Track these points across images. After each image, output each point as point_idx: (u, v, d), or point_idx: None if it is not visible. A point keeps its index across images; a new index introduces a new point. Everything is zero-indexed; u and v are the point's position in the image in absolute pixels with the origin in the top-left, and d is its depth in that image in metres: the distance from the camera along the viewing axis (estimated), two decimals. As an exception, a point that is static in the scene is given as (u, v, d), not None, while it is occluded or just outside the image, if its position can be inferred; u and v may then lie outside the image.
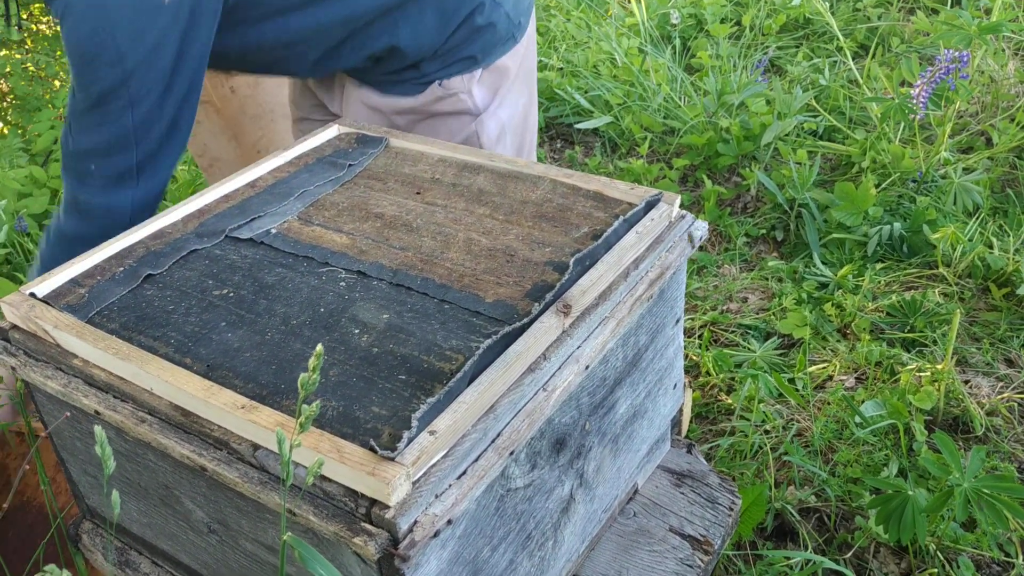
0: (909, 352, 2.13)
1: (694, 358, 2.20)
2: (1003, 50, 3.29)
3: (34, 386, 1.14)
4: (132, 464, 1.10)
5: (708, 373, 2.13)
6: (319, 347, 0.65)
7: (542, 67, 3.61)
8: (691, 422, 2.03)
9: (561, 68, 3.55)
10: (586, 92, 3.36)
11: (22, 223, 2.90)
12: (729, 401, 2.04)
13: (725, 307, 2.40)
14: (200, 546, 1.12)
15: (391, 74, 1.55)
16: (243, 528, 1.02)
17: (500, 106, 1.63)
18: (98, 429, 0.68)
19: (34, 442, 1.49)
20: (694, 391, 2.10)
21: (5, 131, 3.93)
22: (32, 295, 1.12)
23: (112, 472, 1.05)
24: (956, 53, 2.53)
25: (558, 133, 3.36)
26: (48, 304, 1.10)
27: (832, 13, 3.68)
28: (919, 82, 2.56)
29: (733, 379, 2.10)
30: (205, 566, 1.15)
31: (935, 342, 2.14)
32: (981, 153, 2.80)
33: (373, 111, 1.61)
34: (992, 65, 3.16)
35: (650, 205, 1.21)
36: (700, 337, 2.28)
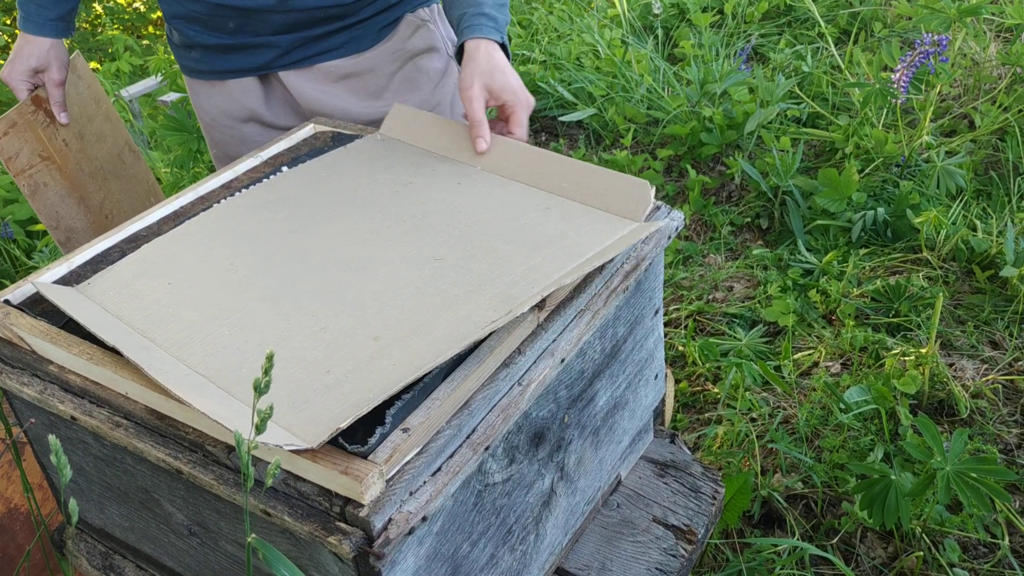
0: (894, 337, 2.13)
1: (680, 348, 2.20)
2: (984, 32, 3.29)
3: (11, 393, 1.14)
4: (111, 468, 1.10)
5: (694, 363, 2.13)
6: (270, 350, 0.65)
7: (525, 60, 3.61)
8: (677, 412, 2.03)
9: (544, 61, 3.55)
10: (569, 85, 3.36)
11: (7, 229, 2.90)
12: (715, 390, 2.05)
13: (710, 296, 2.40)
14: (182, 548, 1.12)
15: (362, 22, 1.55)
16: (222, 530, 1.02)
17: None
18: (52, 438, 0.68)
19: (16, 451, 1.49)
20: (680, 381, 2.10)
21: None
22: (7, 302, 1.12)
23: (88, 471, 1.05)
24: (936, 36, 2.53)
25: (542, 126, 3.36)
26: (23, 311, 1.10)
27: (813, 0, 3.68)
28: (899, 66, 2.56)
29: (719, 368, 2.10)
30: (188, 568, 1.15)
31: (919, 326, 2.14)
32: (964, 136, 2.81)
33: (346, 79, 1.60)
34: (974, 47, 3.17)
35: (624, 197, 1.21)
36: (686, 327, 2.28)
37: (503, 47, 1.38)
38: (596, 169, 1.24)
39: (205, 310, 1.08)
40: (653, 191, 1.25)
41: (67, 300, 1.08)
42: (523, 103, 1.34)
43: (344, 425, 0.84)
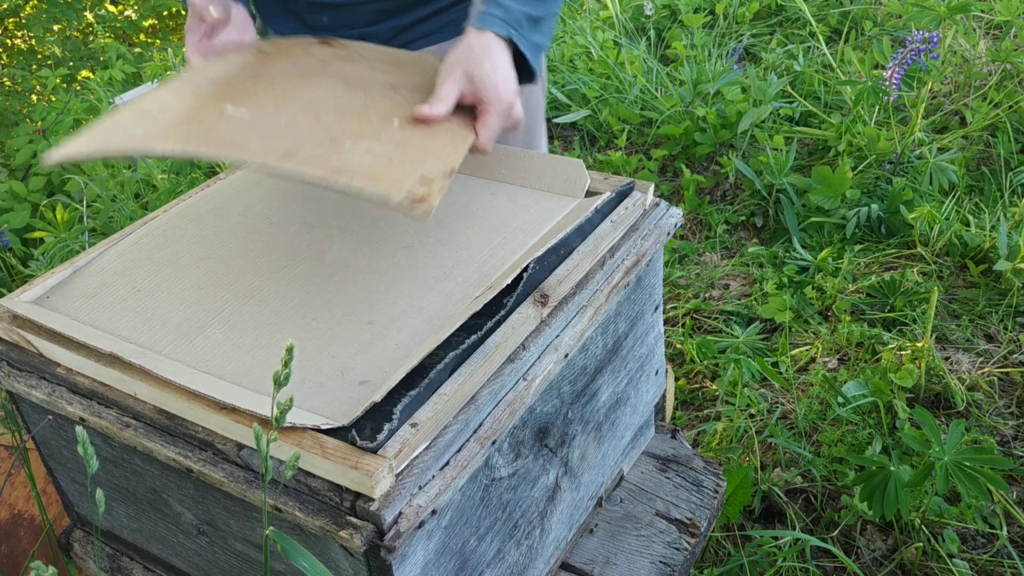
0: (890, 331, 2.15)
1: (678, 346, 2.21)
2: (974, 29, 3.32)
3: (19, 396, 1.15)
4: (119, 470, 1.11)
5: (692, 360, 2.14)
6: (290, 342, 0.66)
7: (518, 63, 3.61)
8: (677, 409, 2.04)
9: (537, 63, 3.55)
10: (563, 86, 3.37)
11: (3, 238, 2.90)
12: (714, 387, 2.06)
13: (707, 294, 2.42)
14: (190, 548, 1.13)
15: (452, 7, 1.48)
16: (232, 528, 1.03)
17: None
18: (79, 430, 0.69)
19: (23, 455, 1.49)
20: (678, 378, 2.11)
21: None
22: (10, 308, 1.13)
23: (95, 472, 1.06)
24: (926, 34, 2.55)
25: (537, 128, 3.37)
26: (28, 316, 1.11)
27: (804, -1, 3.70)
28: (891, 64, 2.58)
29: (717, 365, 2.12)
30: (196, 568, 1.16)
31: (915, 321, 2.16)
32: (955, 132, 2.83)
33: None
34: (963, 44, 3.19)
35: (622, 195, 1.23)
36: (683, 325, 2.30)
37: (522, 56, 1.19)
38: (531, 153, 1.29)
39: (187, 312, 1.09)
40: (652, 189, 1.26)
41: (43, 316, 1.09)
42: (500, 107, 1.14)
43: (377, 398, 0.88)
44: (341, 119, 1.07)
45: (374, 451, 0.86)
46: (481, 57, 1.14)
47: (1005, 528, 1.66)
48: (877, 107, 2.86)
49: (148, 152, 1.01)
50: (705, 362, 2.12)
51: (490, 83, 1.13)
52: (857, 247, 2.45)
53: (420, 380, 0.93)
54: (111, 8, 6.30)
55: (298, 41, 1.37)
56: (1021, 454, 1.82)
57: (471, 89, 1.14)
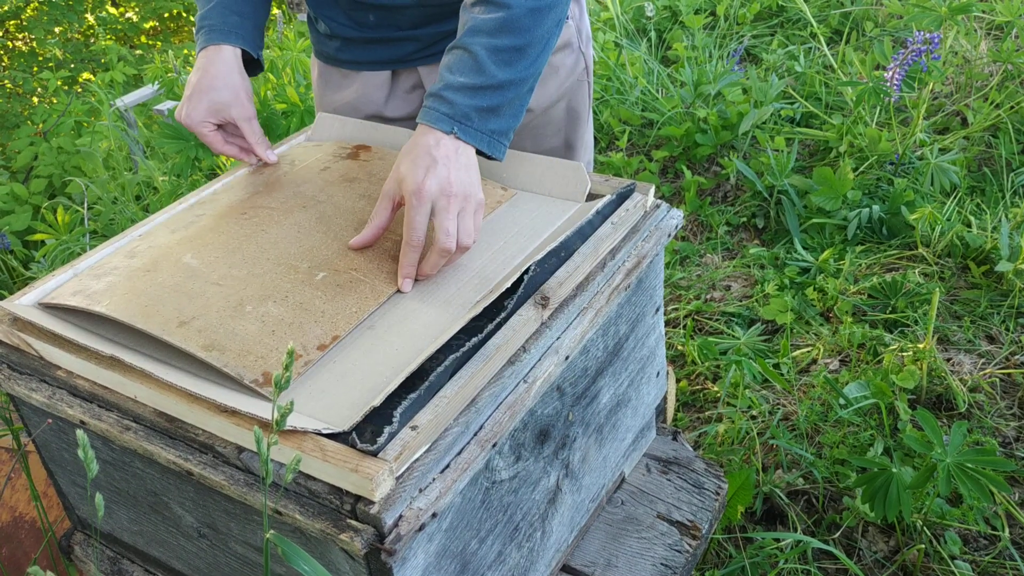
0: (891, 333, 2.15)
1: (679, 347, 2.21)
2: (975, 30, 3.32)
3: (19, 399, 1.15)
4: (120, 472, 1.11)
5: (694, 362, 2.14)
6: (290, 346, 0.66)
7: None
8: (678, 411, 2.04)
9: (538, 65, 3.55)
10: (564, 88, 3.37)
11: (4, 240, 2.90)
12: (715, 389, 2.06)
13: (708, 296, 2.41)
14: (191, 551, 1.13)
15: None
16: (232, 531, 1.03)
17: (589, 38, 1.60)
18: (80, 433, 0.69)
19: (23, 458, 1.49)
20: (680, 380, 2.11)
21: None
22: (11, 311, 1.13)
23: (95, 475, 1.06)
24: (927, 34, 2.55)
25: (538, 130, 3.37)
26: (29, 318, 1.11)
27: (805, 0, 3.70)
28: (892, 65, 2.58)
29: (718, 367, 2.12)
30: (197, 570, 1.16)
31: (916, 322, 2.16)
32: (956, 133, 2.83)
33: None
34: (964, 45, 3.19)
35: (623, 196, 1.23)
36: (684, 327, 2.30)
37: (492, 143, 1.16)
38: (531, 157, 1.29)
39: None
40: (653, 190, 1.26)
41: (43, 319, 1.09)
42: (416, 202, 1.09)
43: (377, 402, 0.88)
44: (268, 273, 1.11)
45: (374, 454, 0.86)
46: (403, 156, 1.13)
47: (1007, 530, 1.65)
48: (878, 108, 2.86)
49: (93, 312, 1.08)
50: (706, 364, 2.12)
51: (407, 180, 1.11)
52: (858, 248, 2.45)
53: (420, 383, 0.93)
54: (112, 10, 6.31)
55: (329, 148, 1.41)
56: (1023, 455, 1.82)
57: (399, 191, 1.12)
